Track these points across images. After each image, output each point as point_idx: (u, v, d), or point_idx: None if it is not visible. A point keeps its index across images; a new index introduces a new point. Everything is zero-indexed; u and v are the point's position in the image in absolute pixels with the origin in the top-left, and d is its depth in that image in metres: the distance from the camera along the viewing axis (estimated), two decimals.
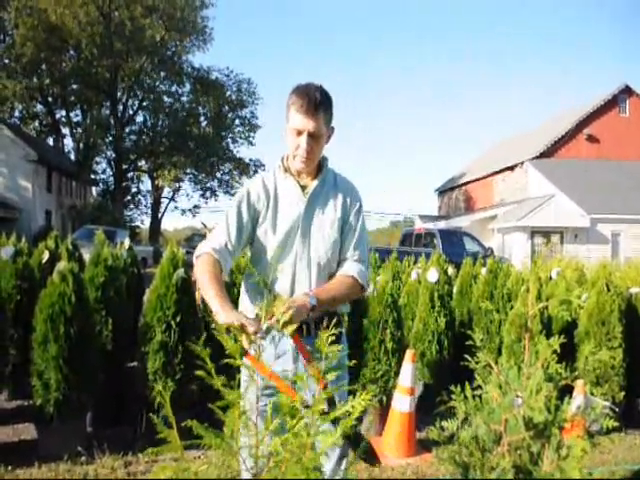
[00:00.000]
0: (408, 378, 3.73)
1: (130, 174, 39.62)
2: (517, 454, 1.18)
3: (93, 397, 3.50)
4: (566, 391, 1.47)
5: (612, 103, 28.94)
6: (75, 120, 36.56)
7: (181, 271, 3.67)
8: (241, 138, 40.04)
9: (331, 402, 1.40)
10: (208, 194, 40.50)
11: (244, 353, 1.35)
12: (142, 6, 32.93)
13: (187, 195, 62.63)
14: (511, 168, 29.72)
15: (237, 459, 1.19)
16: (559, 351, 1.26)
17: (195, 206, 41.39)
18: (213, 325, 1.46)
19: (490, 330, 4.78)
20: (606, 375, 4.33)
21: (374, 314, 4.10)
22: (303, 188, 1.95)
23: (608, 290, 4.49)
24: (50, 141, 37.30)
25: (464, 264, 5.99)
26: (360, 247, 1.99)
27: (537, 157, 27.82)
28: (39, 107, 36.14)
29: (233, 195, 2.37)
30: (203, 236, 3.06)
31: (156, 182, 40.98)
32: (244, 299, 2.01)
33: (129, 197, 41.01)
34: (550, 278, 6.22)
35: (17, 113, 35.06)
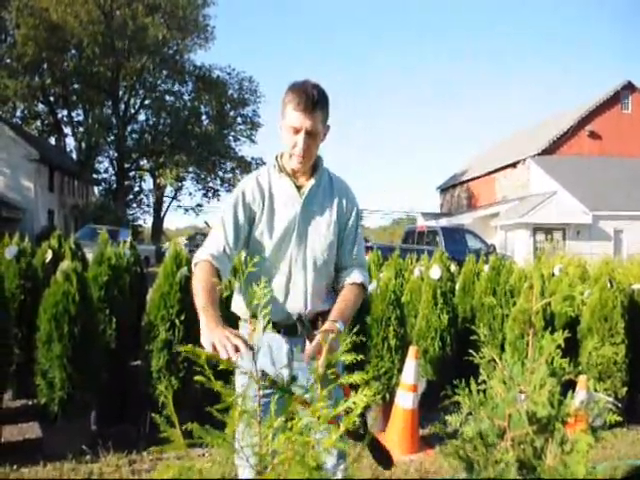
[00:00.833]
0: (411, 375, 3.73)
1: (132, 173, 39.65)
2: (521, 449, 1.19)
3: (97, 396, 3.51)
4: (569, 386, 1.47)
5: (614, 100, 28.87)
6: (77, 119, 36.74)
7: (185, 269, 3.68)
8: (243, 136, 40.08)
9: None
10: (210, 194, 40.61)
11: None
12: (144, 5, 32.93)
13: (190, 194, 62.65)
14: (513, 165, 29.68)
15: (239, 457, 1.19)
16: (563, 346, 1.27)
17: (198, 205, 41.51)
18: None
19: (493, 326, 4.78)
20: (609, 370, 4.33)
21: (377, 311, 4.10)
22: (299, 188, 1.92)
23: (611, 286, 4.49)
24: (52, 141, 37.33)
25: (466, 261, 5.99)
26: (359, 251, 2.01)
27: (539, 154, 27.78)
28: (41, 107, 36.20)
29: None
30: (206, 235, 3.06)
31: (158, 181, 41.00)
32: (238, 300, 1.98)
33: (131, 196, 41.04)
34: (553, 275, 6.22)
35: (19, 113, 35.16)
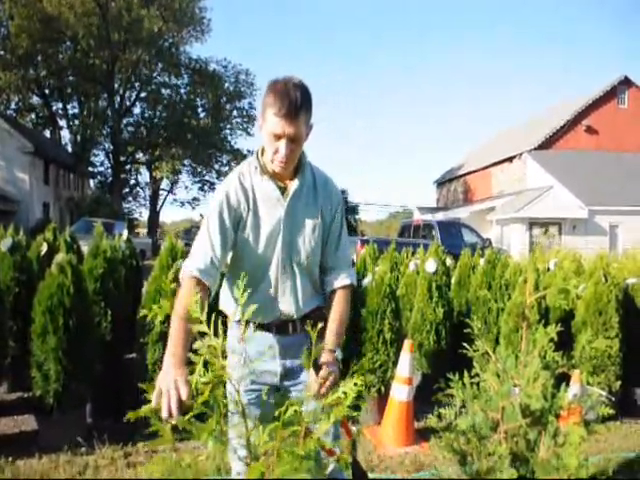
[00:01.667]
0: (406, 368, 3.75)
1: (128, 166, 39.45)
2: (514, 441, 1.19)
3: (92, 388, 3.52)
4: (563, 380, 1.48)
5: (611, 94, 28.85)
6: (72, 112, 36.44)
7: (180, 262, 3.67)
8: (239, 129, 39.92)
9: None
10: (206, 187, 40.52)
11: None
12: None
13: (185, 187, 62.55)
14: (510, 159, 29.68)
15: (228, 449, 1.20)
16: (556, 340, 1.27)
17: (194, 198, 41.41)
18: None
19: (488, 320, 4.80)
20: (603, 364, 4.35)
21: (372, 305, 4.11)
22: (282, 190, 1.83)
23: (605, 280, 4.51)
24: (47, 133, 37.11)
25: (462, 255, 6.00)
26: (345, 250, 1.97)
27: (536, 148, 27.78)
28: (35, 99, 35.91)
29: None
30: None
31: (154, 174, 40.87)
32: (226, 301, 1.94)
33: (127, 189, 40.91)
34: (548, 269, 6.24)
35: (13, 105, 34.86)
